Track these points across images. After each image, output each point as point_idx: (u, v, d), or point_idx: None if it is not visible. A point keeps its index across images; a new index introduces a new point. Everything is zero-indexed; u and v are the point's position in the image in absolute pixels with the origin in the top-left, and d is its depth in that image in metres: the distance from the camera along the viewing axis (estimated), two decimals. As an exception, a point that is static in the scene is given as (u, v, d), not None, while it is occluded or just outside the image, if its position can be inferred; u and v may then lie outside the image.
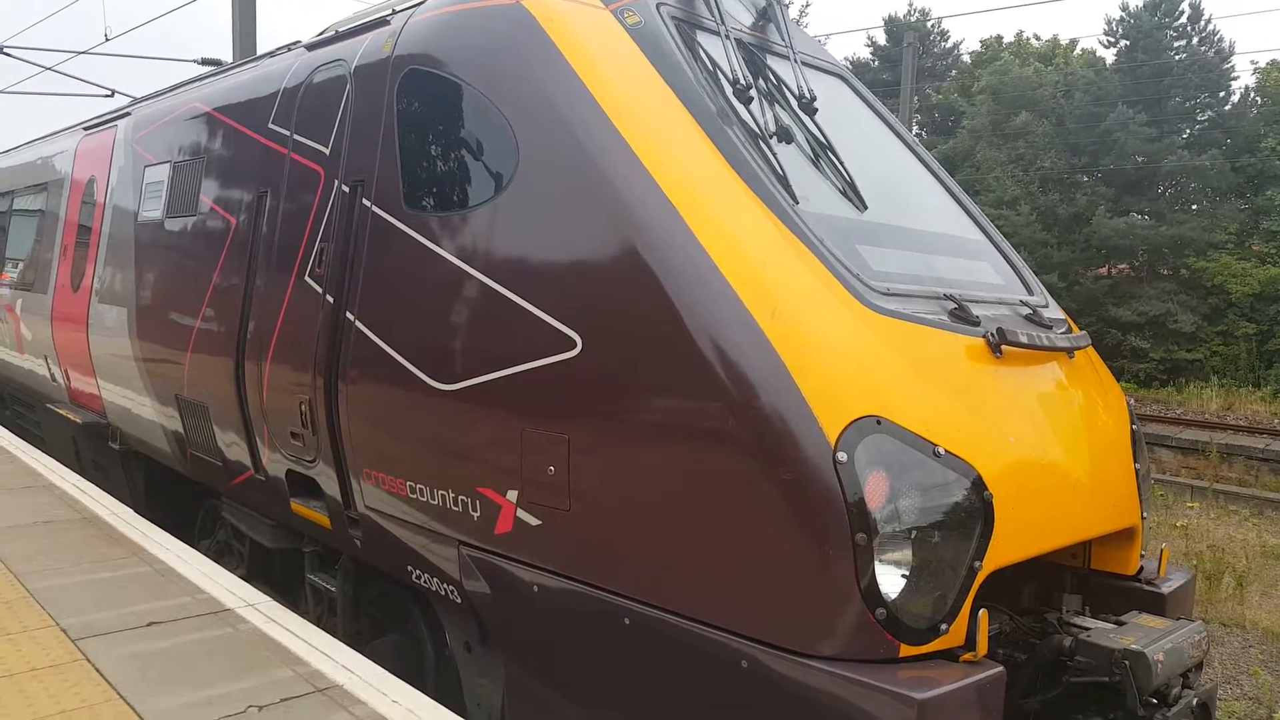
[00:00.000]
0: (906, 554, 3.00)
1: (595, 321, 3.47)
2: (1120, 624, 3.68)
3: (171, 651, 3.89)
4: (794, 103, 4.25)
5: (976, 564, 3.11)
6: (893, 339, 3.31)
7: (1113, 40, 34.23)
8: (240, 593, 4.65)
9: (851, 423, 2.99)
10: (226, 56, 10.93)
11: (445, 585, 4.17)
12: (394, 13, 4.85)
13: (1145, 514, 4.10)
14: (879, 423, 3.03)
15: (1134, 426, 4.22)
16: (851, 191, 4.07)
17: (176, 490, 6.90)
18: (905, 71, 34.98)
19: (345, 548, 4.88)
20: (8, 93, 18.26)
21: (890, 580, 2.98)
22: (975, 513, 3.12)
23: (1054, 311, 4.36)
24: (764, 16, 4.64)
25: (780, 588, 3.01)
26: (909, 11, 44.95)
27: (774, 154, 3.85)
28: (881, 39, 44.83)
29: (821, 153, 4.17)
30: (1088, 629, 3.59)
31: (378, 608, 5.03)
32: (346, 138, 4.74)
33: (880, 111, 5.08)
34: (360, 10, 5.58)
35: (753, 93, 3.98)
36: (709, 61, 4.10)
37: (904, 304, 3.49)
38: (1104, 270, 32.03)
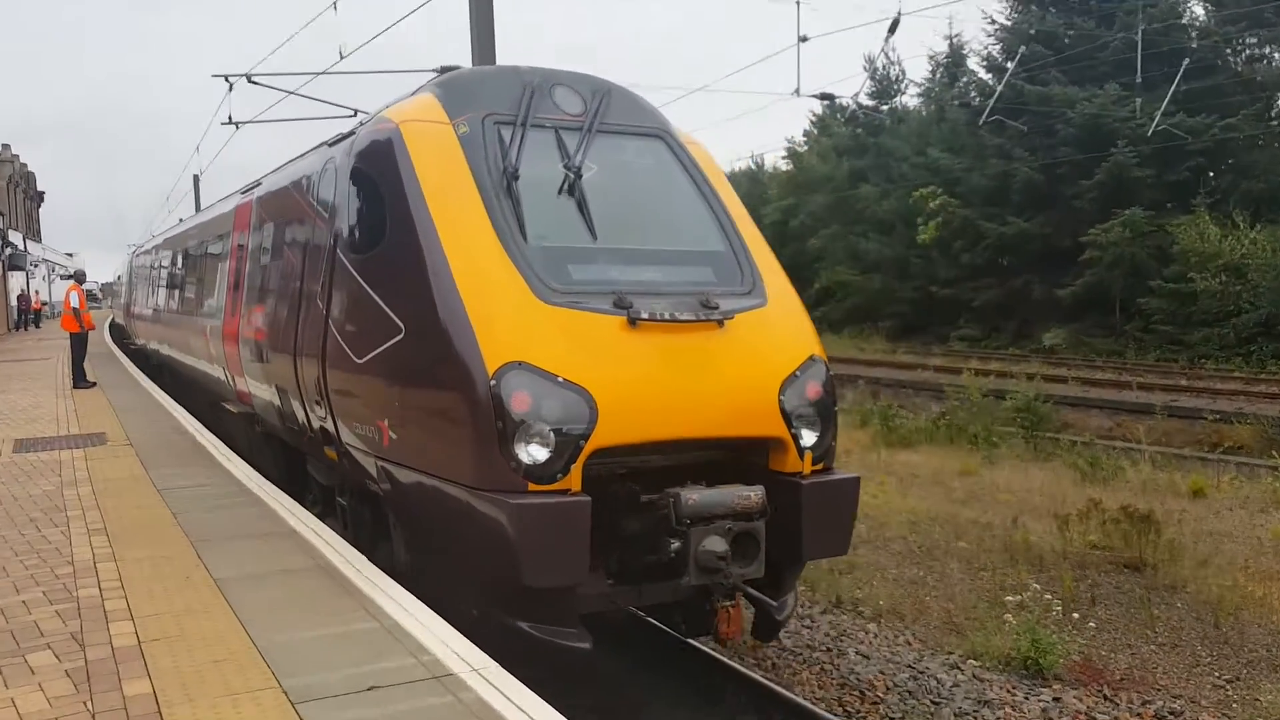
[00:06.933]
0: (535, 434, 5.14)
1: (408, 316, 5.84)
2: (713, 487, 5.47)
3: (390, 721, 3.51)
4: (569, 169, 6.13)
5: (583, 442, 5.20)
6: (552, 319, 5.41)
7: None
8: (465, 654, 4.28)
9: (503, 365, 5.20)
10: (465, 61, 10.46)
11: (377, 486, 6.40)
12: (360, 125, 7.35)
13: (796, 431, 5.76)
14: (519, 365, 5.21)
15: (797, 373, 5.85)
16: (589, 228, 6.01)
17: (298, 459, 9.03)
18: None
19: (344, 473, 7.27)
20: (258, 121, 17.31)
21: (524, 448, 5.12)
22: (583, 413, 5.21)
23: (743, 300, 5.98)
24: (588, 103, 6.56)
25: (469, 455, 5.31)
26: None
27: (519, 210, 5.84)
28: None
29: (584, 202, 6.08)
30: (679, 490, 5.36)
31: (377, 517, 6.96)
32: (334, 208, 7.24)
33: (681, 159, 6.75)
34: (355, 121, 8.14)
35: (521, 169, 5.96)
36: (502, 151, 6.06)
37: (576, 299, 5.51)
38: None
